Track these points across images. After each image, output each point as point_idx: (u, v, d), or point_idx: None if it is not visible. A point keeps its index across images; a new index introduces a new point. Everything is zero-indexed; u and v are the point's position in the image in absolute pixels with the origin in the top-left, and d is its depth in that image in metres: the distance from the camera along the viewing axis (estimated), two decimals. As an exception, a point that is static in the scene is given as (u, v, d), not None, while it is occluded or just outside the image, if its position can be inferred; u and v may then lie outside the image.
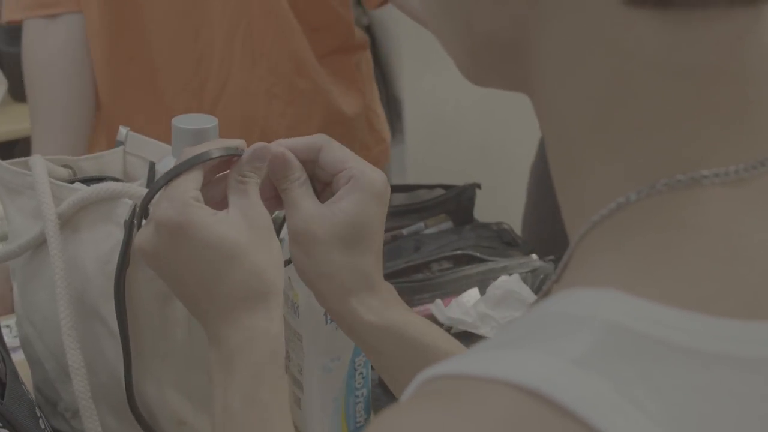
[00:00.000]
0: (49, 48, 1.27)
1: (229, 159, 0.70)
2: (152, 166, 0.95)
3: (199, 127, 0.79)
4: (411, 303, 1.04)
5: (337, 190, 0.69)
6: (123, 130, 0.97)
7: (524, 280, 1.05)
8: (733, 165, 0.41)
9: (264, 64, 1.27)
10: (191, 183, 0.66)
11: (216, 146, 0.69)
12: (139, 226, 0.73)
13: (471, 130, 2.64)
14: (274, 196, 0.71)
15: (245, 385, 0.62)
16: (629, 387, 0.36)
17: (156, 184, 0.67)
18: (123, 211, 0.78)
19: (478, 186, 1.30)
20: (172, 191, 0.65)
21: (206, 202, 0.66)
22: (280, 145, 0.70)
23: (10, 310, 1.06)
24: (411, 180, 2.62)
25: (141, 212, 0.69)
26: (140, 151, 0.96)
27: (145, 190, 0.78)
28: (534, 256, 1.15)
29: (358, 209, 0.67)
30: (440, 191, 1.29)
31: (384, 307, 0.68)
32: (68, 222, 0.81)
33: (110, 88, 1.28)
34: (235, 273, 0.63)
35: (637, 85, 0.41)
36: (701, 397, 0.37)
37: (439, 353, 0.68)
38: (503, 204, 1.78)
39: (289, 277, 0.87)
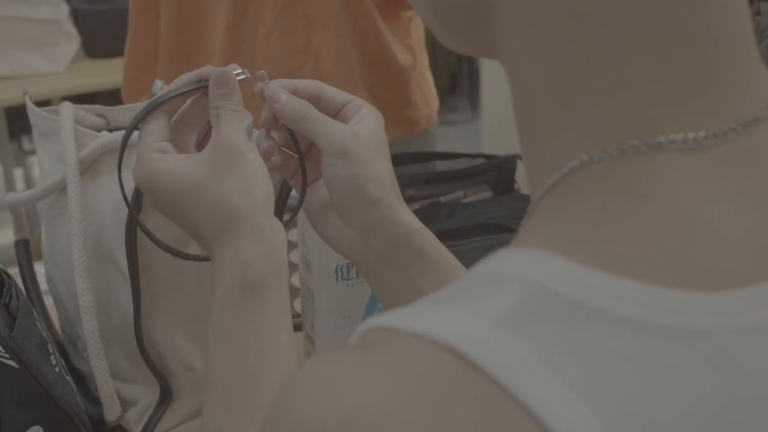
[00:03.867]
0: None
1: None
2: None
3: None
4: (435, 268, 1.04)
5: (343, 121, 0.70)
6: (158, 83, 0.99)
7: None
8: (693, 132, 0.40)
9: None
10: (152, 136, 0.67)
11: (179, 85, 0.69)
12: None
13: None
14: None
15: (215, 314, 0.63)
16: (546, 349, 0.36)
17: (123, 138, 0.68)
18: (139, 158, 0.80)
19: (519, 157, 1.29)
20: (139, 150, 0.67)
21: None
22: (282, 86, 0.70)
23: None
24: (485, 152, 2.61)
25: (119, 168, 0.70)
26: (174, 104, 0.98)
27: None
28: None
29: (380, 128, 0.70)
30: (481, 160, 1.28)
31: (415, 219, 0.70)
32: (89, 168, 0.83)
33: (176, 22, 1.32)
34: (201, 211, 0.64)
35: (595, 47, 0.40)
36: (624, 365, 0.36)
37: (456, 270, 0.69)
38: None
39: (303, 234, 0.89)
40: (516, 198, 1.24)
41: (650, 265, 0.38)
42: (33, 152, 2.86)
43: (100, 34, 2.12)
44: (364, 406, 0.36)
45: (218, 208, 0.63)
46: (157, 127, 0.68)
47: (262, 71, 0.70)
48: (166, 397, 0.85)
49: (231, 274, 0.63)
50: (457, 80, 4.58)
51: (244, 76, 0.69)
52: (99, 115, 0.94)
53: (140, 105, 0.98)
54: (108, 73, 2.10)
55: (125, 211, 0.80)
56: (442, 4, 0.46)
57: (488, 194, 1.27)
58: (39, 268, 0.98)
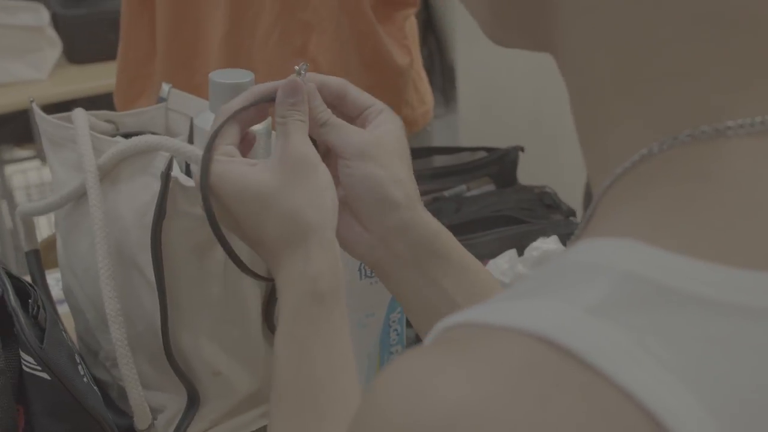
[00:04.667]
0: None
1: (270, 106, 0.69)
2: (193, 122, 0.97)
3: (235, 81, 0.80)
4: (449, 263, 1.04)
5: (363, 124, 0.70)
6: (165, 87, 0.99)
7: (563, 242, 1.05)
8: (759, 116, 0.40)
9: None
10: (221, 139, 0.66)
11: (249, 96, 0.69)
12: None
13: (523, 99, 2.63)
14: None
15: (285, 324, 0.62)
16: (642, 335, 0.36)
17: (204, 154, 0.66)
18: (160, 163, 0.79)
19: (521, 149, 1.29)
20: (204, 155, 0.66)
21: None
22: (312, 81, 0.69)
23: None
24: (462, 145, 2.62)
25: (205, 185, 0.66)
26: (182, 107, 0.97)
27: (180, 143, 0.79)
28: (573, 218, 1.14)
29: (400, 132, 0.69)
30: (483, 154, 1.29)
31: (435, 220, 0.69)
32: (108, 174, 0.82)
33: (172, 26, 1.31)
34: (271, 219, 0.63)
35: (662, 33, 0.40)
36: (718, 347, 0.36)
37: (486, 275, 0.70)
38: (554, 172, 1.77)
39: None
40: (519, 190, 1.24)
41: (733, 249, 0.38)
42: (10, 161, 2.83)
43: (82, 39, 2.09)
44: (467, 401, 0.36)
45: (289, 219, 0.63)
46: (227, 132, 0.67)
47: (305, 64, 0.69)
48: (193, 403, 0.85)
49: (302, 285, 0.62)
50: (430, 76, 4.59)
51: (302, 64, 0.69)
52: (108, 121, 0.93)
53: (147, 110, 0.97)
54: (91, 79, 2.08)
55: (148, 216, 0.79)
56: None
57: (491, 187, 1.27)
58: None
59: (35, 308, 0.75)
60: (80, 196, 0.85)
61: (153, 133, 0.92)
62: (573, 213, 1.17)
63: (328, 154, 0.72)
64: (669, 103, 0.41)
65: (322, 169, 0.65)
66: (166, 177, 0.76)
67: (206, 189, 0.66)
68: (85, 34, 2.09)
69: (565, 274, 0.40)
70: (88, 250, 0.85)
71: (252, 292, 0.84)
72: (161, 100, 0.99)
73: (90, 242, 0.85)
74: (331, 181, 0.66)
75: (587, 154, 0.46)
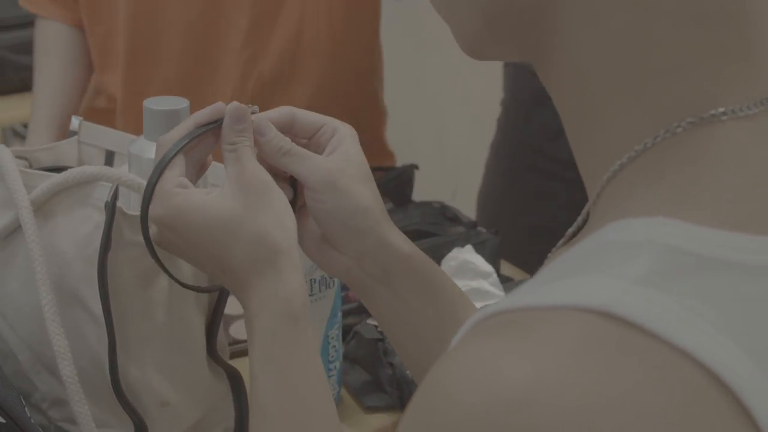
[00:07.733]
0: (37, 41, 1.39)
1: (215, 131, 0.69)
2: (109, 155, 0.95)
3: (170, 108, 0.80)
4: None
5: (318, 146, 0.70)
6: (75, 121, 0.97)
7: (477, 251, 1.08)
8: (743, 102, 0.45)
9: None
10: (171, 170, 0.66)
11: (189, 124, 0.68)
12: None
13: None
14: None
15: (263, 348, 0.63)
16: (689, 300, 0.39)
17: (149, 183, 0.65)
18: (101, 193, 0.78)
19: (416, 167, 1.33)
20: (159, 185, 0.66)
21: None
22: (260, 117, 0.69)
23: None
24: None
25: (145, 215, 0.67)
26: (95, 140, 0.95)
27: (121, 172, 0.78)
28: (481, 229, 1.18)
29: (360, 153, 0.70)
30: (379, 173, 1.31)
31: (405, 239, 0.70)
32: (39, 209, 0.80)
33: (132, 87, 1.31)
34: (239, 244, 0.64)
35: (657, 33, 0.44)
36: (754, 305, 0.40)
37: (453, 291, 0.71)
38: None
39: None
40: (419, 206, 1.28)
41: (750, 218, 0.43)
42: None
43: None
44: (542, 374, 0.38)
45: (257, 242, 0.63)
46: (176, 163, 0.66)
47: (255, 105, 0.69)
48: (142, 436, 0.83)
49: (277, 307, 0.63)
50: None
51: (252, 106, 0.69)
52: (20, 157, 0.91)
53: (59, 144, 0.95)
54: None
55: (91, 248, 0.78)
56: (499, 7, 0.48)
57: (389, 205, 1.30)
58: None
59: (-18, 350, 0.72)
60: (7, 234, 0.82)
61: (69, 167, 0.90)
62: (475, 224, 1.22)
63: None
64: (666, 95, 0.45)
65: (279, 192, 0.66)
66: (112, 207, 0.75)
67: (146, 214, 0.66)
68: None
69: (602, 253, 0.43)
70: (20, 289, 0.82)
71: (196, 318, 0.83)
72: (72, 133, 0.97)
73: (22, 280, 0.82)
74: (288, 203, 0.67)
75: (581, 150, 0.49)
